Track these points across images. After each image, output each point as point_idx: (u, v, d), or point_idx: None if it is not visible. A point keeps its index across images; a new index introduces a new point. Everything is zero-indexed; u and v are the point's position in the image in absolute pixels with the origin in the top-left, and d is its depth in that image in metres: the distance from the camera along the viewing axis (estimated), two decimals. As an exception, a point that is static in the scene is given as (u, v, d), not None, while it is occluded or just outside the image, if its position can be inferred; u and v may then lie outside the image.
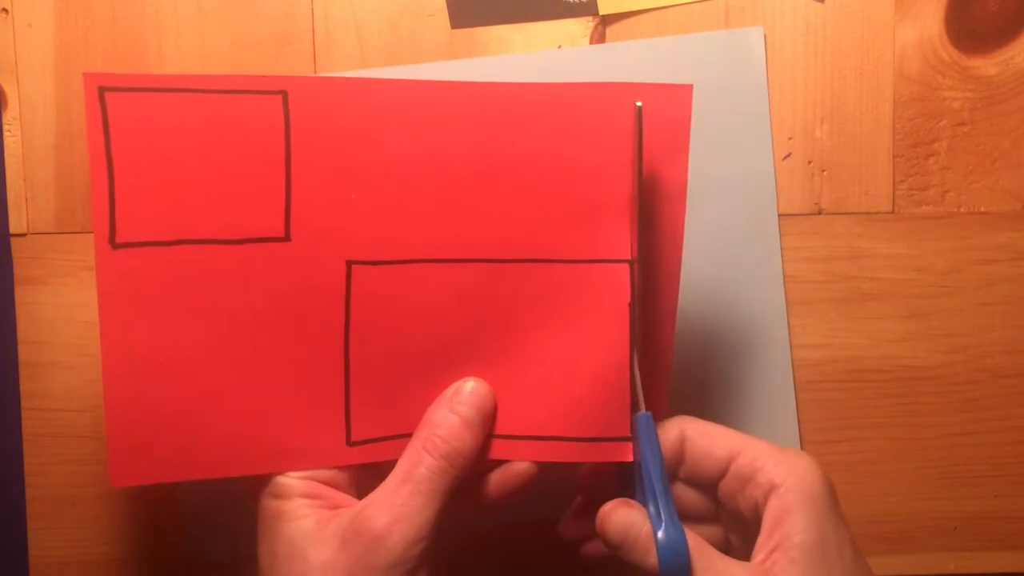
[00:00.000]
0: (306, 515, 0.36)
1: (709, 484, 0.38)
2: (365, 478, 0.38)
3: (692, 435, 0.38)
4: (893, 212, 0.46)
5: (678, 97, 0.38)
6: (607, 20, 0.46)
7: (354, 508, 0.36)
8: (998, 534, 0.47)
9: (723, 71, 0.45)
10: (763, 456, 0.36)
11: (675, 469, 0.38)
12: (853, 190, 0.46)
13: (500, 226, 0.38)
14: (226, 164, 0.37)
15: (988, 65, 0.46)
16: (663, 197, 0.38)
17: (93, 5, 0.45)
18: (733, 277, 0.45)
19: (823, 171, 0.46)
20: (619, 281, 0.38)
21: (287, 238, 0.37)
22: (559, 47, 0.45)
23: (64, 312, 0.46)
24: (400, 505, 0.35)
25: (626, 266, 0.38)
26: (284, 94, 0.37)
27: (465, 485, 0.37)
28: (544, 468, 0.38)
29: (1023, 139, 0.46)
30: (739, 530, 0.38)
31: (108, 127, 0.36)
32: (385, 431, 0.38)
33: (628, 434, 0.37)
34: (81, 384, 0.46)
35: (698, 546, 0.34)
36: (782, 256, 0.46)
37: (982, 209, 0.47)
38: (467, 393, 0.37)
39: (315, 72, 0.45)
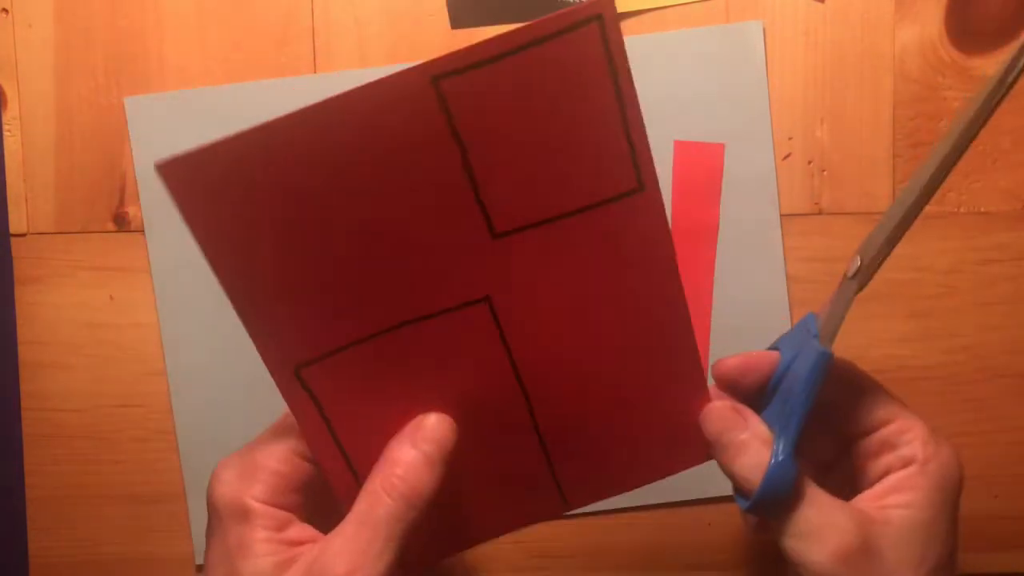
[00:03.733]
0: (267, 553, 0.34)
1: (840, 430, 0.37)
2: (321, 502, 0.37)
3: (848, 381, 0.37)
4: (893, 212, 0.46)
5: (711, 155, 0.39)
6: (607, 20, 0.46)
7: (313, 551, 0.34)
8: (998, 534, 0.47)
9: (723, 66, 0.45)
10: (915, 430, 0.36)
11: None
12: (853, 190, 0.46)
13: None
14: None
15: (988, 65, 0.46)
16: (695, 237, 0.39)
17: (93, 5, 0.45)
18: (735, 277, 0.45)
19: (823, 171, 0.46)
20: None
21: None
22: (559, 47, 0.45)
23: (64, 312, 0.46)
24: (358, 552, 0.34)
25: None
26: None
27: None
28: None
29: (1023, 139, 0.46)
30: (845, 477, 0.37)
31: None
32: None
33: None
34: (81, 384, 0.46)
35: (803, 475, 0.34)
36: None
37: (982, 209, 0.46)
38: (429, 428, 0.36)
39: (315, 72, 0.45)
